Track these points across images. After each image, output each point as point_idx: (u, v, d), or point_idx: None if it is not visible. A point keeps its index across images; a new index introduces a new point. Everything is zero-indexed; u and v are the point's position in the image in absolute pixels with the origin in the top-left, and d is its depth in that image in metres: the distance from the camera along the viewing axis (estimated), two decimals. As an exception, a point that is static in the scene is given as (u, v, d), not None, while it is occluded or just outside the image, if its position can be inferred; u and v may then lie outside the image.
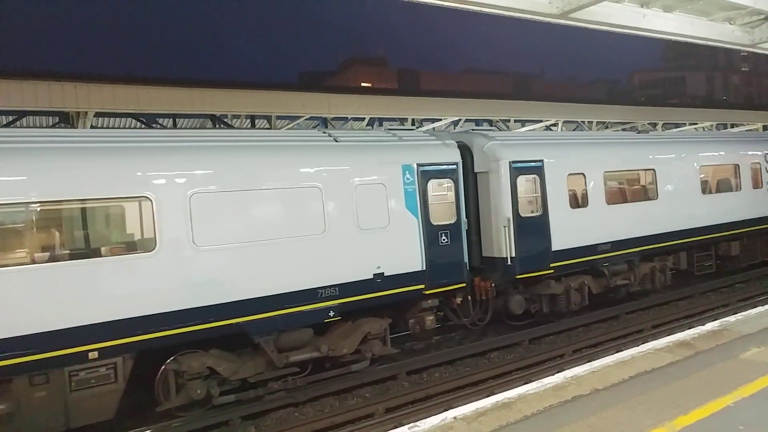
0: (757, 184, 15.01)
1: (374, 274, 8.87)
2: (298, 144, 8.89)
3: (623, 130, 19.17)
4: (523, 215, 10.50)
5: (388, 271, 8.99)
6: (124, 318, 6.92)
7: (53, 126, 12.99)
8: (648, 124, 20.03)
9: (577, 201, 11.53)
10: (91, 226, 7.30)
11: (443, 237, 9.66)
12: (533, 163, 10.77)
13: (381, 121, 16.74)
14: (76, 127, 11.36)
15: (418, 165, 9.49)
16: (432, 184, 9.66)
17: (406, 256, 9.27)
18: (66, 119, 12.49)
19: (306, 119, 14.20)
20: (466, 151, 10.64)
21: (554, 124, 17.69)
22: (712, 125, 21.68)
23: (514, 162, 10.47)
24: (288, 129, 13.84)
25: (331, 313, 8.45)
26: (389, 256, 9.04)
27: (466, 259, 10.02)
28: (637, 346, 7.36)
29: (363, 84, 53.07)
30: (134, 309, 7.01)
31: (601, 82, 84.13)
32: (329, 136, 9.34)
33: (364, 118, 15.26)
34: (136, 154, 7.41)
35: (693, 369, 5.93)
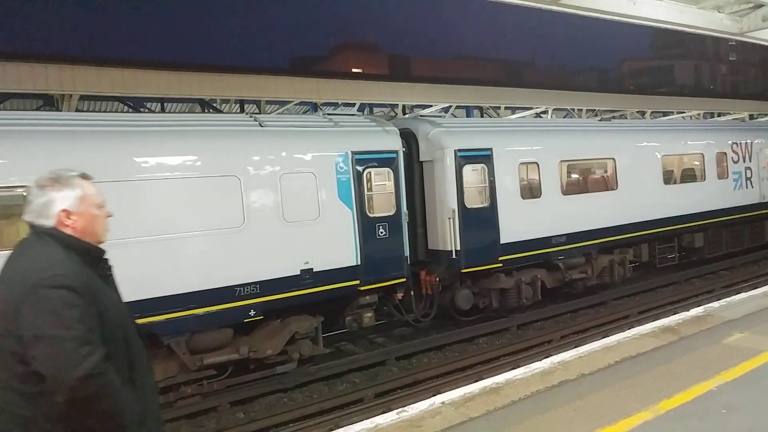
0: (722, 174, 14.73)
1: (301, 270, 8.32)
2: (213, 129, 8.27)
3: (612, 118, 19.22)
4: (469, 206, 10.13)
5: (318, 267, 8.46)
6: None
7: (37, 109, 12.78)
8: (637, 112, 20.10)
9: (530, 191, 11.12)
10: None
11: (381, 230, 9.16)
12: (481, 152, 10.38)
13: (371, 107, 16.65)
14: (61, 111, 11.16)
15: (353, 153, 8.94)
16: (369, 173, 9.14)
17: (339, 250, 8.75)
18: (50, 102, 12.28)
19: (296, 104, 14.08)
20: (411, 138, 10.25)
21: (544, 112, 17.68)
22: (699, 114, 21.80)
23: (460, 150, 10.07)
24: (278, 114, 13.71)
25: (252, 313, 7.93)
26: (319, 250, 8.50)
27: (406, 253, 9.54)
28: (623, 331, 7.45)
29: (354, 69, 52.59)
30: None
31: (592, 70, 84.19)
32: (255, 120, 8.78)
33: (355, 104, 15.16)
34: (6, 138, 6.73)
35: (677, 354, 6.02)
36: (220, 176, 7.78)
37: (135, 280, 6.99)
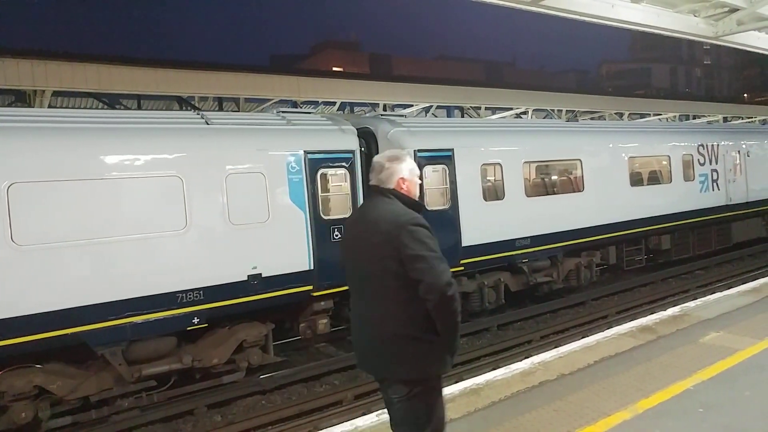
0: (688, 176, 14.78)
1: (249, 276, 7.86)
2: (154, 126, 7.80)
3: (591, 119, 19.44)
4: (429, 208, 9.80)
5: (267, 272, 8.01)
6: None
7: (9, 105, 12.45)
8: (615, 113, 20.38)
9: (493, 193, 10.88)
10: None
11: (336, 233, 8.71)
12: (442, 153, 10.11)
13: (352, 106, 16.58)
14: (33, 107, 10.89)
15: (306, 152, 8.52)
16: (323, 174, 8.73)
17: (290, 254, 8.31)
18: (23, 98, 11.98)
19: (275, 102, 13.96)
20: (370, 138, 9.96)
21: (524, 112, 17.82)
22: (675, 116, 22.19)
23: (420, 151, 9.75)
24: (256, 112, 13.57)
25: (195, 320, 7.46)
26: (268, 254, 8.05)
27: None
28: (602, 331, 7.53)
29: (335, 68, 52.47)
30: None
31: (571, 71, 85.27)
32: (201, 117, 8.39)
33: (335, 102, 15.09)
34: None
35: (654, 353, 6.08)
36: (160, 176, 7.34)
37: (65, 286, 6.65)
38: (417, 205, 3.20)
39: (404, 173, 3.20)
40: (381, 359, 3.01)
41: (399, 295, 2.88)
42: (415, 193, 3.26)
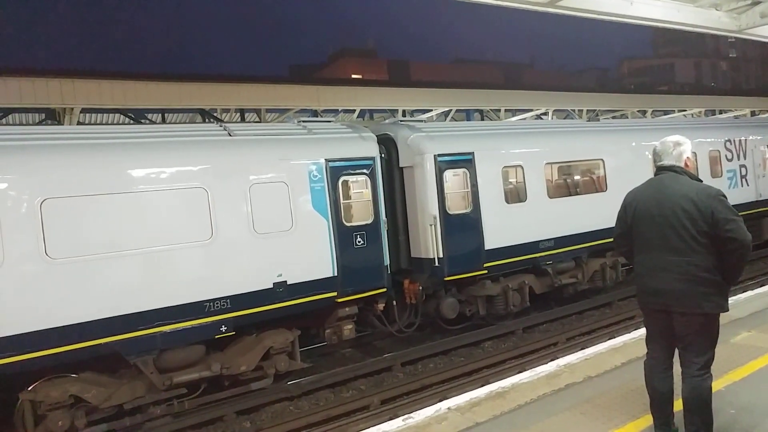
0: (716, 172, 14.42)
1: (274, 283, 8.03)
2: (178, 140, 8.01)
3: (613, 117, 19.20)
4: (451, 212, 9.84)
5: (292, 279, 8.16)
6: None
7: (40, 123, 12.88)
8: (638, 111, 20.10)
9: (515, 195, 10.79)
10: None
11: (359, 239, 8.86)
12: (462, 156, 10.10)
13: (372, 113, 16.69)
14: (63, 124, 11.24)
15: (327, 160, 8.67)
16: (344, 181, 8.86)
17: (314, 261, 8.44)
18: (52, 116, 12.37)
19: (296, 112, 14.14)
20: (390, 144, 10.06)
21: (545, 113, 17.69)
22: (700, 111, 21.77)
23: (440, 155, 9.79)
24: (277, 122, 13.76)
25: (223, 328, 7.63)
26: (293, 262, 8.21)
27: (386, 262, 9.22)
28: (629, 332, 7.42)
29: (353, 75, 52.83)
30: None
31: (591, 70, 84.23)
32: (224, 129, 8.54)
33: (355, 110, 15.22)
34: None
35: (684, 354, 5.96)
36: (186, 188, 7.53)
37: (98, 297, 6.86)
38: (697, 179, 3.86)
39: (688, 153, 3.87)
40: (683, 296, 3.68)
41: (706, 248, 3.61)
42: (694, 167, 3.98)
